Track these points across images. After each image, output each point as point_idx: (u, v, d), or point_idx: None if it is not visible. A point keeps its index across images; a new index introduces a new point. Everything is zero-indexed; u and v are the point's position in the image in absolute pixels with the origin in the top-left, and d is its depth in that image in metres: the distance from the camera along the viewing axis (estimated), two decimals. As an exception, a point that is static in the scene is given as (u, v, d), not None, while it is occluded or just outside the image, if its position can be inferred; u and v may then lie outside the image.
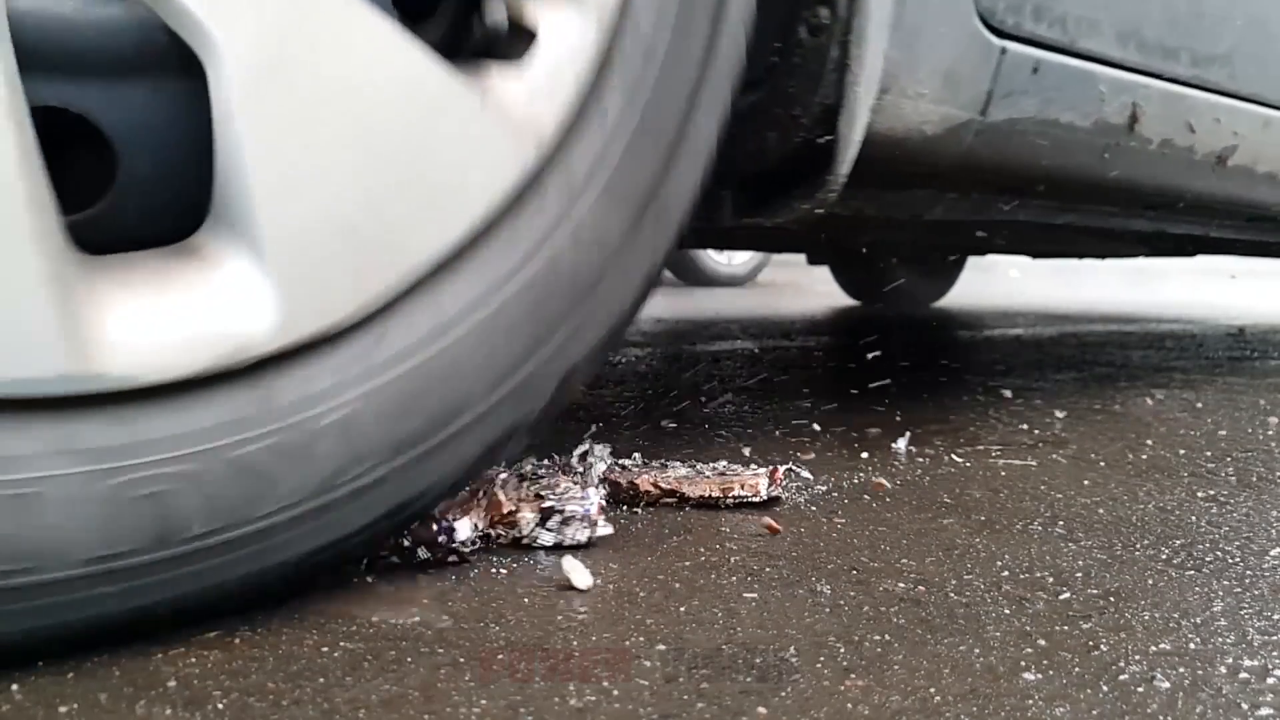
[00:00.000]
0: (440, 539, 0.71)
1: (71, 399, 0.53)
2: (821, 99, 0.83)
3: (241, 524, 0.57)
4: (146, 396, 0.55)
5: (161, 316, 0.56)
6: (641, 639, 0.59)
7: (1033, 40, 0.97)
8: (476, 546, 0.75)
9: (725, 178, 0.91)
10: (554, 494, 0.79)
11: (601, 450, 0.93)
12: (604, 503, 0.82)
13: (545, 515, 0.76)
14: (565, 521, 0.76)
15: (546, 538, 0.76)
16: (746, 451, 1.11)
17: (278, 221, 0.57)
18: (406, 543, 0.71)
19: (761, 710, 0.51)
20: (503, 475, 0.84)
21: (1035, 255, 2.74)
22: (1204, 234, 1.71)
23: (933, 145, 0.95)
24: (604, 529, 0.77)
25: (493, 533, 0.77)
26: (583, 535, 0.76)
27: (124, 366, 0.54)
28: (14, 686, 0.52)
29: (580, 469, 0.88)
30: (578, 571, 0.68)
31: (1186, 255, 2.32)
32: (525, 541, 0.76)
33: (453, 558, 0.72)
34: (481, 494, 0.80)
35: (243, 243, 0.57)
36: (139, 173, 0.58)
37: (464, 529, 0.74)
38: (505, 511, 0.76)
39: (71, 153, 0.56)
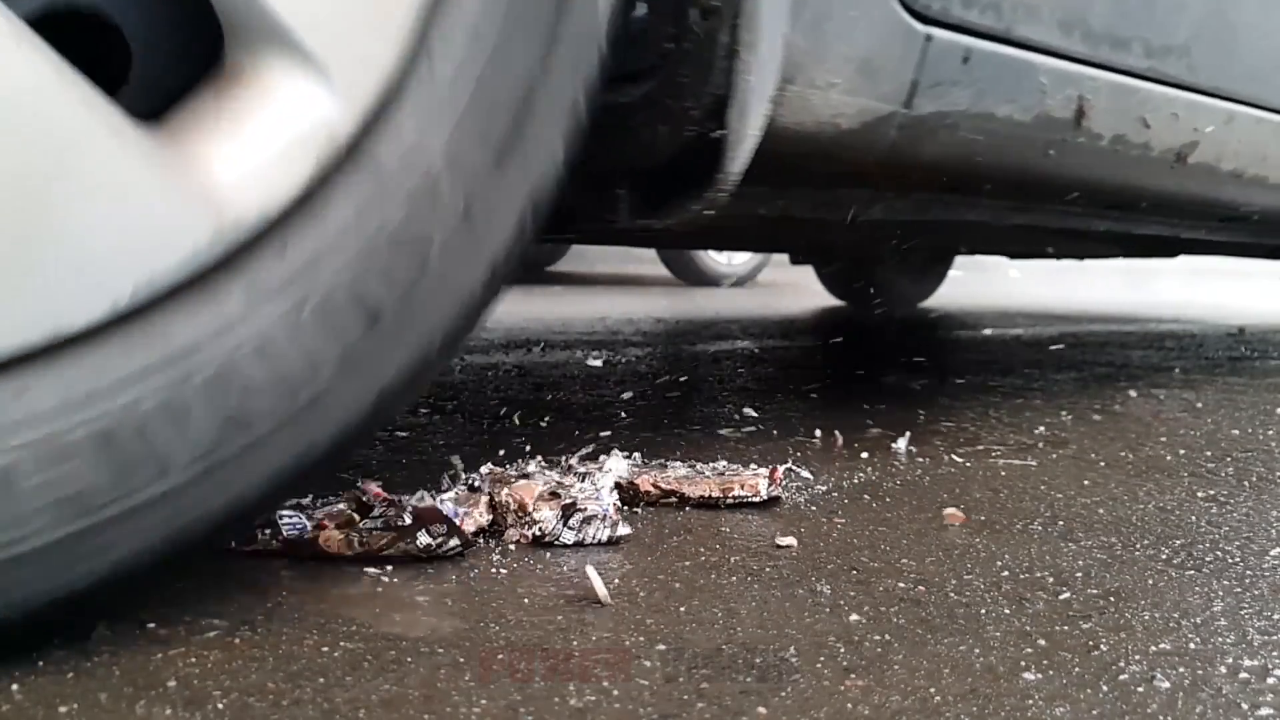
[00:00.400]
0: (439, 522, 0.72)
1: (235, 253, 0.55)
2: (713, 89, 0.76)
3: (423, 278, 0.61)
4: (288, 221, 0.57)
5: (251, 143, 0.57)
6: (641, 639, 0.59)
7: (962, 27, 0.89)
8: (470, 530, 0.75)
9: (619, 175, 0.87)
10: (569, 494, 0.79)
11: (609, 456, 0.92)
12: (618, 503, 0.82)
13: (566, 514, 0.76)
14: (586, 520, 0.76)
15: (568, 536, 0.76)
16: (746, 451, 1.11)
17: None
18: (406, 520, 0.71)
19: (761, 710, 0.51)
20: (529, 469, 0.84)
21: (1011, 256, 2.71)
22: (1174, 235, 1.63)
23: (851, 140, 0.88)
24: (624, 529, 0.78)
25: (513, 532, 0.77)
26: (604, 534, 0.76)
27: (253, 203, 0.56)
28: (14, 686, 0.52)
29: (583, 470, 0.88)
30: (599, 584, 0.66)
31: (1167, 256, 2.28)
32: (548, 539, 0.76)
33: (454, 541, 0.71)
34: (486, 489, 0.81)
35: (266, 37, 0.57)
36: (143, 28, 0.58)
37: (447, 506, 0.74)
38: (519, 506, 0.77)
39: (74, 44, 0.56)
